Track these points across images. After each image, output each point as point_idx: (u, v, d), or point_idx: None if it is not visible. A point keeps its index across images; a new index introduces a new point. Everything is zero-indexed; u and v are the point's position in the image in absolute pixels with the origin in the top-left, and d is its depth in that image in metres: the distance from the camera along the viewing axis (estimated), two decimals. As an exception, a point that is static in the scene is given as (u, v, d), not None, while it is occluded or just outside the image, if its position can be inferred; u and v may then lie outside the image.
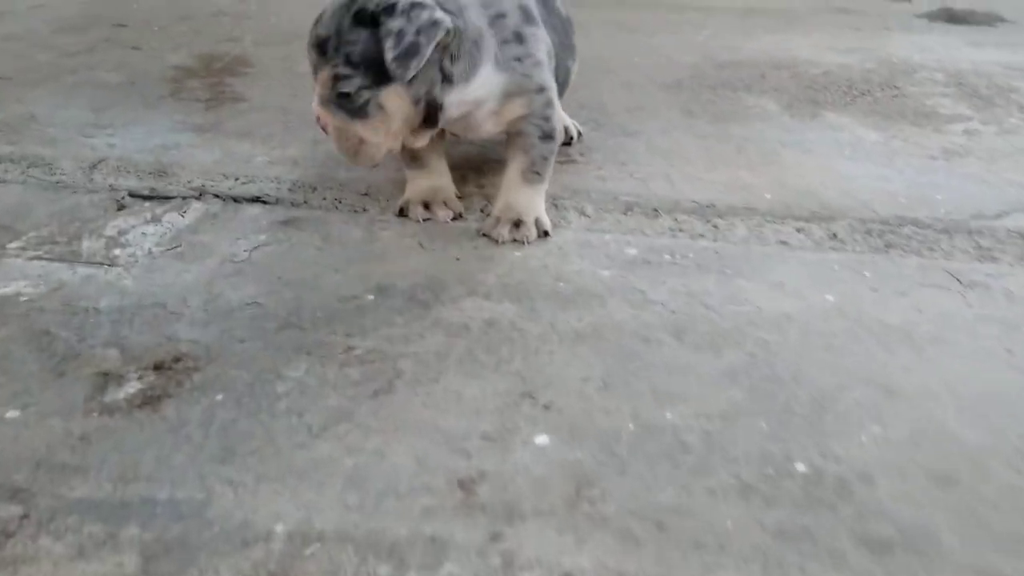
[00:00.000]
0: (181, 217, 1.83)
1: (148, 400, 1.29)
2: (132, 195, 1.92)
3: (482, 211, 1.87)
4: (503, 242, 1.72)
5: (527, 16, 1.70)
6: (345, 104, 1.58)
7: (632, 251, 1.70)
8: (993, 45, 2.90)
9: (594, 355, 1.40)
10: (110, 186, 1.96)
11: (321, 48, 1.56)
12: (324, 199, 1.90)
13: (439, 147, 1.85)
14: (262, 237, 1.74)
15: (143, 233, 1.76)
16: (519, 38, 1.67)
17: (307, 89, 1.68)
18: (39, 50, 2.86)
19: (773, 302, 1.54)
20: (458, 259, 1.68)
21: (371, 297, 1.55)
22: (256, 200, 1.90)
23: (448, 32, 1.53)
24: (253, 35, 3.03)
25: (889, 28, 3.12)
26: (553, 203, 1.85)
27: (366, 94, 1.56)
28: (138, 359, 1.38)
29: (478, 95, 1.67)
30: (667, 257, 1.68)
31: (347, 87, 1.55)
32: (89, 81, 2.58)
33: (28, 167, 2.04)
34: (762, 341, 1.43)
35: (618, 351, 1.41)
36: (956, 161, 2.06)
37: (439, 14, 1.52)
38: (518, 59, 1.67)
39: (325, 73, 1.57)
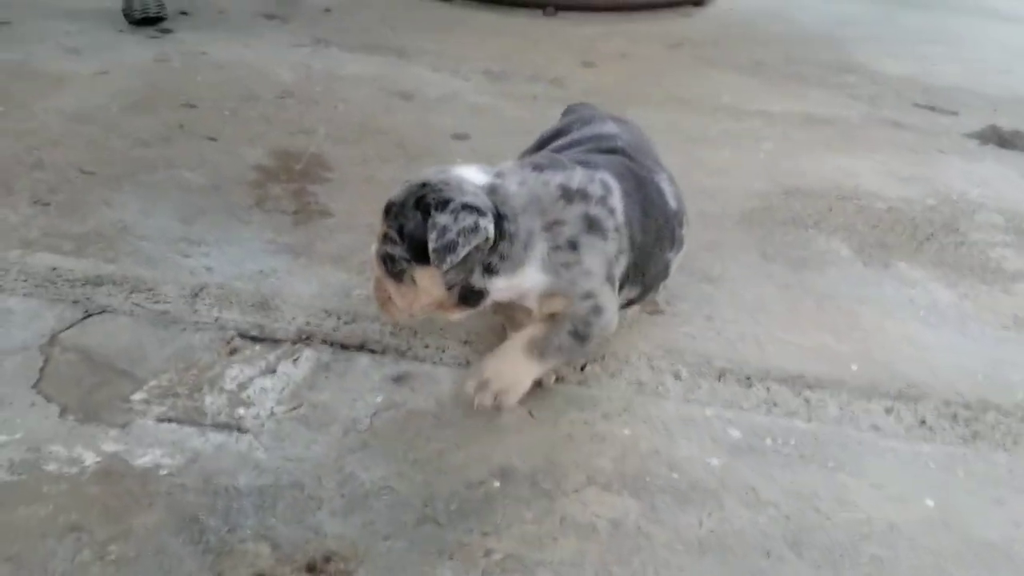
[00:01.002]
0: (294, 367, 1.90)
1: (312, 613, 1.37)
2: (241, 336, 1.99)
3: (581, 370, 1.95)
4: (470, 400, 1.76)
5: (591, 226, 1.74)
6: (387, 263, 1.72)
7: (735, 433, 1.79)
8: (1044, 178, 3.01)
9: (721, 570, 1.49)
10: (216, 320, 2.04)
11: (387, 210, 1.71)
12: (427, 347, 1.98)
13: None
14: (378, 400, 1.83)
15: (262, 388, 1.84)
16: (573, 246, 1.73)
17: (388, 201, 1.80)
18: (113, 135, 2.92)
19: (879, 508, 1.63)
20: (570, 436, 1.76)
21: (496, 484, 1.64)
22: (362, 347, 1.97)
23: (487, 239, 1.63)
24: (325, 126, 3.10)
25: (943, 151, 3.21)
26: (649, 364, 1.94)
27: (404, 264, 1.70)
28: (290, 557, 1.46)
29: (524, 287, 1.75)
30: (768, 443, 1.77)
31: (391, 250, 1.70)
32: (171, 180, 2.65)
33: (131, 291, 2.11)
34: (876, 559, 1.52)
35: (744, 568, 1.49)
36: (1028, 333, 2.16)
37: (483, 221, 1.62)
38: (566, 265, 1.73)
39: (381, 230, 1.72)
